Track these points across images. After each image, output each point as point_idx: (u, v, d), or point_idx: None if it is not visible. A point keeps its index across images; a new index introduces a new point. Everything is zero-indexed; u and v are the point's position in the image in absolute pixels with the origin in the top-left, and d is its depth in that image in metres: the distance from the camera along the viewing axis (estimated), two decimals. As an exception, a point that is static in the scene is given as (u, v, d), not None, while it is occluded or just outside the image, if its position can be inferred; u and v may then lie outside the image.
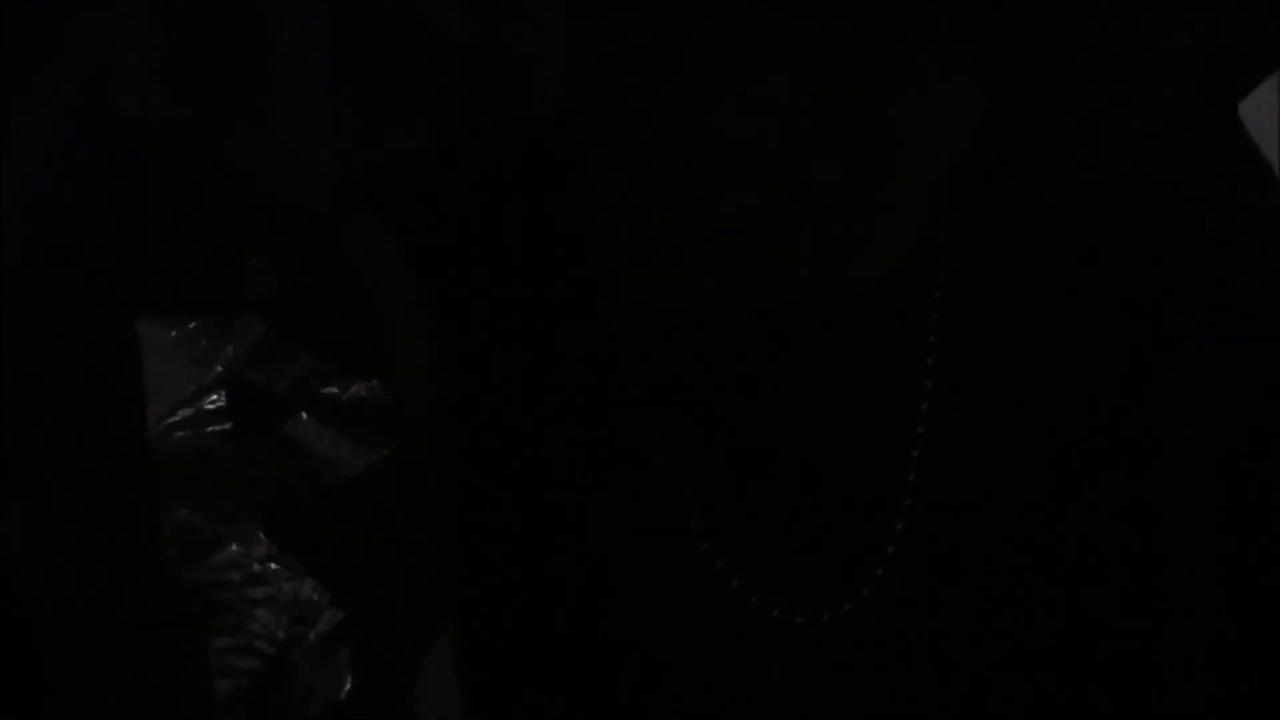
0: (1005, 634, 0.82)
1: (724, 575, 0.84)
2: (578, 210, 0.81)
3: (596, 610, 0.84)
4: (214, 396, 0.69)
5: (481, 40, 0.81)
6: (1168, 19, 0.87)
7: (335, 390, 0.71)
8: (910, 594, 0.83)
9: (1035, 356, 0.84)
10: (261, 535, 0.70)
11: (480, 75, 0.82)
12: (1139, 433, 0.82)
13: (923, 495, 0.83)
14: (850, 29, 0.73)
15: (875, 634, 0.83)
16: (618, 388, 0.84)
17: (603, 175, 0.77)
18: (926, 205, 0.81)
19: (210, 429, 0.69)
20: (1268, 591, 0.81)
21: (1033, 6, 0.79)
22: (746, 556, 0.84)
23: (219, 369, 0.70)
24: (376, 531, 0.72)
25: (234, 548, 0.70)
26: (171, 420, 0.69)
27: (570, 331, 0.84)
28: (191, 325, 0.70)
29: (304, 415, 0.70)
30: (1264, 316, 0.82)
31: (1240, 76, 0.87)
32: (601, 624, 0.84)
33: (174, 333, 0.70)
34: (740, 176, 0.74)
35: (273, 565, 0.70)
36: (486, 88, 0.83)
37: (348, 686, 0.71)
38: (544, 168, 0.84)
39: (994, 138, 0.82)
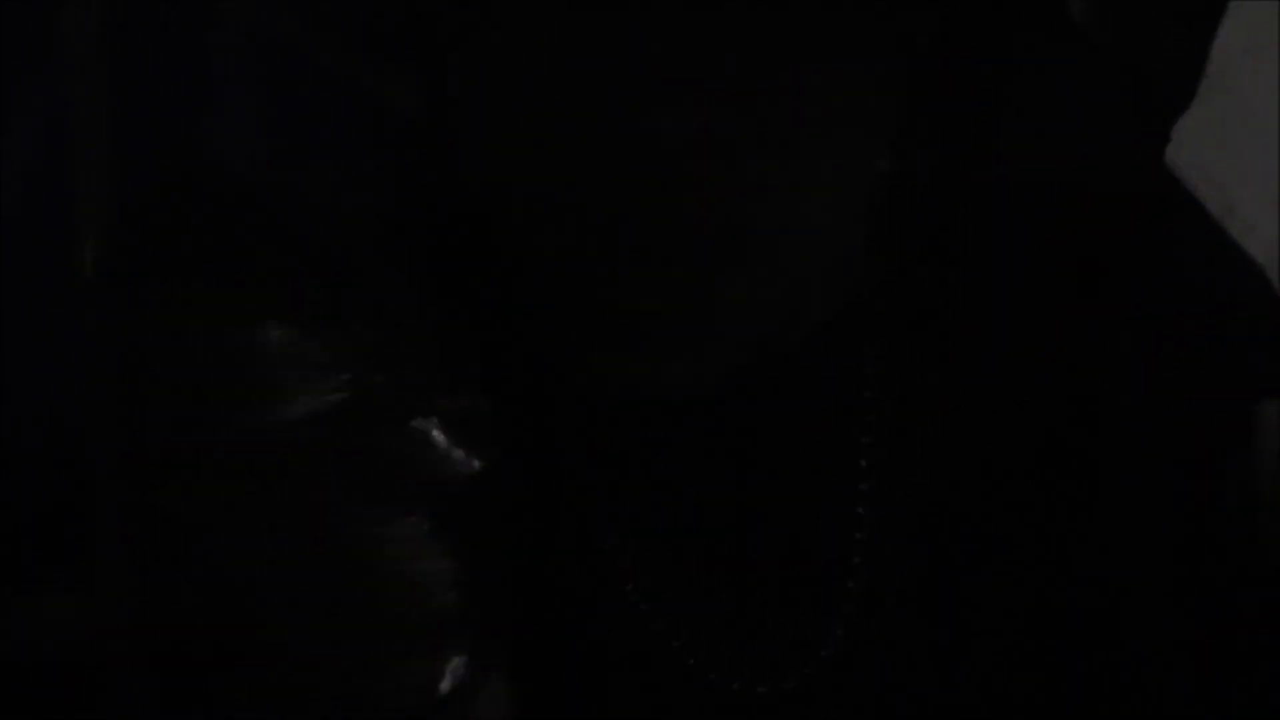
0: (965, 685, 0.81)
1: (680, 652, 0.81)
2: (519, 284, 0.78)
3: (550, 698, 0.81)
4: (339, 394, 0.73)
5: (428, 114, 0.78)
6: (1084, 45, 0.87)
7: (448, 400, 0.74)
8: (870, 650, 0.81)
9: (973, 398, 0.82)
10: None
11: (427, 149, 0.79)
12: (1082, 470, 0.82)
13: (873, 550, 0.81)
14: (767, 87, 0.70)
15: (839, 695, 0.81)
16: (566, 467, 0.82)
17: (544, 251, 0.73)
18: (852, 256, 0.79)
19: (336, 425, 0.73)
20: (1226, 626, 0.81)
21: (951, 40, 0.77)
22: (700, 631, 0.81)
23: (345, 373, 0.73)
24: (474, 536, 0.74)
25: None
26: (297, 415, 0.73)
27: (516, 402, 0.81)
28: (318, 329, 0.73)
29: (422, 419, 0.73)
30: (1198, 343, 0.83)
31: (1164, 106, 0.87)
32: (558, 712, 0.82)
33: (299, 335, 0.73)
34: (671, 248, 0.71)
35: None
36: (431, 161, 0.79)
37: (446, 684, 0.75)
38: (486, 240, 0.79)
39: (914, 173, 0.80)
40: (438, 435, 0.75)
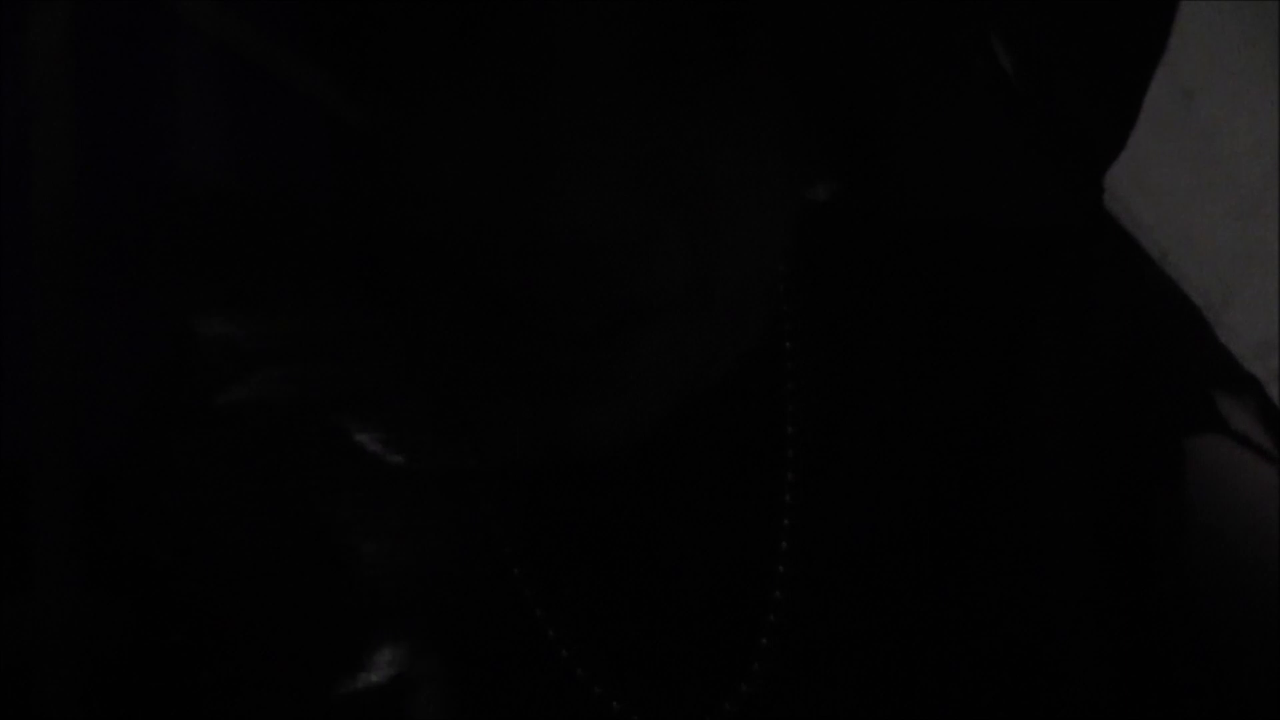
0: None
1: (594, 693, 0.80)
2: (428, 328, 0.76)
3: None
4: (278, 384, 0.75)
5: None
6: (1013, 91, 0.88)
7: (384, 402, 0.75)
8: (787, 688, 0.80)
9: (894, 433, 0.82)
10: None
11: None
12: (1007, 508, 0.82)
13: (793, 589, 0.81)
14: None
15: None
16: (474, 505, 0.80)
17: (452, 301, 0.72)
18: (766, 298, 0.78)
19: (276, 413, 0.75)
20: (1150, 663, 0.82)
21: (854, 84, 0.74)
22: (614, 671, 0.80)
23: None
24: None
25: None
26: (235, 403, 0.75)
27: (427, 446, 0.79)
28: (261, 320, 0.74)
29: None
30: (1128, 379, 0.84)
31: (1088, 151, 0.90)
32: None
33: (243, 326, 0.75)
34: (582, 303, 0.69)
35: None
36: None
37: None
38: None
39: (820, 216, 0.79)
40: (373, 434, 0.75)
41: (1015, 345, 0.84)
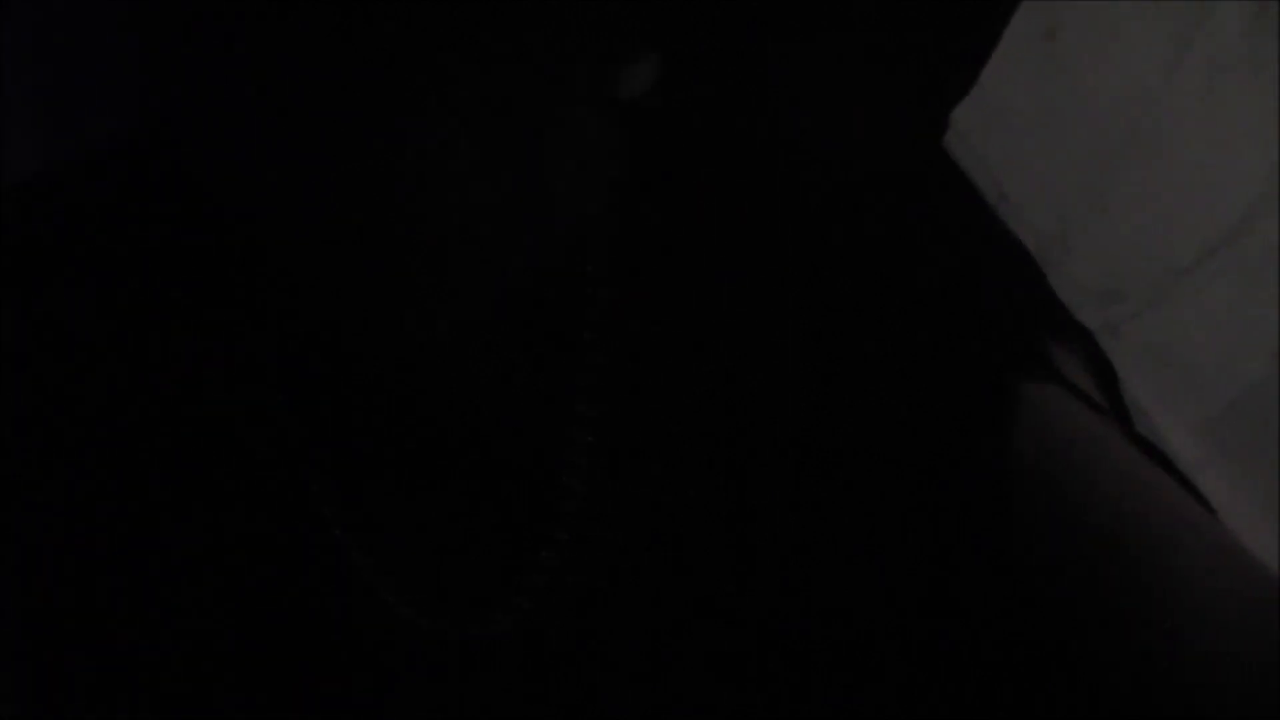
0: (667, 651, 0.81)
1: (378, 591, 0.81)
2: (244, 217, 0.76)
3: (236, 623, 0.81)
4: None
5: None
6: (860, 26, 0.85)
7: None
8: (572, 608, 0.81)
9: (697, 356, 0.82)
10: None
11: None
12: (807, 433, 0.82)
13: (586, 505, 0.81)
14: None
15: (534, 649, 0.81)
16: (266, 391, 0.82)
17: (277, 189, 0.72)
18: (581, 204, 0.77)
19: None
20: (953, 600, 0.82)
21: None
22: (401, 571, 0.81)
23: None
24: None
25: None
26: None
27: (225, 323, 0.82)
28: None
29: None
30: (960, 322, 0.83)
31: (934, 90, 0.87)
32: (242, 635, 0.81)
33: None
34: (401, 221, 0.70)
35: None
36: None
37: None
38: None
39: (655, 119, 0.78)
40: None
41: (834, 271, 0.83)
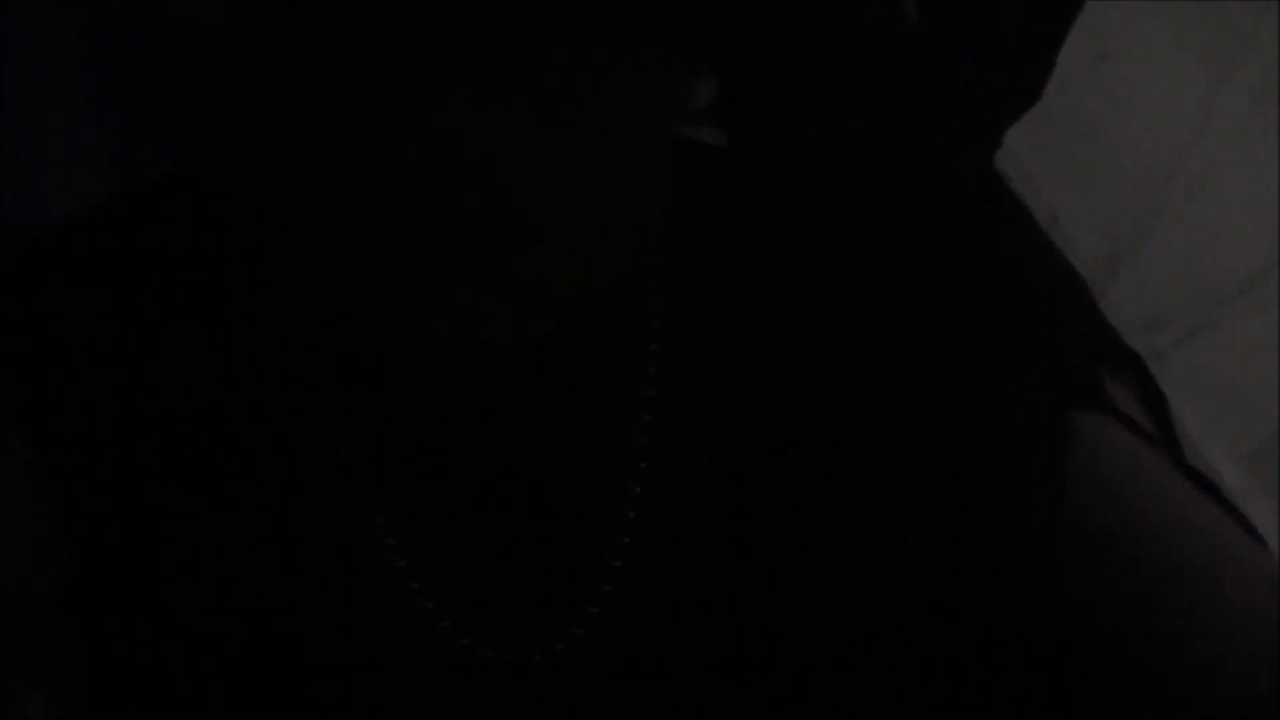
0: (721, 675, 0.81)
1: (432, 614, 0.81)
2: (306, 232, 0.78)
3: (293, 645, 0.81)
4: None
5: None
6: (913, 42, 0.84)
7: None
8: (626, 634, 0.80)
9: (751, 383, 0.82)
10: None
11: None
12: (858, 454, 0.82)
13: (641, 533, 0.81)
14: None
15: (587, 674, 0.80)
16: (325, 425, 0.82)
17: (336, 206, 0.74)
18: (635, 221, 0.78)
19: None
20: (981, 612, 0.82)
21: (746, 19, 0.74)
22: (455, 595, 0.81)
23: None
24: None
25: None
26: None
27: (264, 361, 0.82)
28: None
29: None
30: (1011, 347, 0.83)
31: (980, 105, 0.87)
32: (299, 658, 0.81)
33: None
34: (472, 217, 0.71)
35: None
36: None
37: None
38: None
39: (706, 143, 0.80)
40: None
41: (888, 293, 0.83)
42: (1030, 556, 0.82)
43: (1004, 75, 0.86)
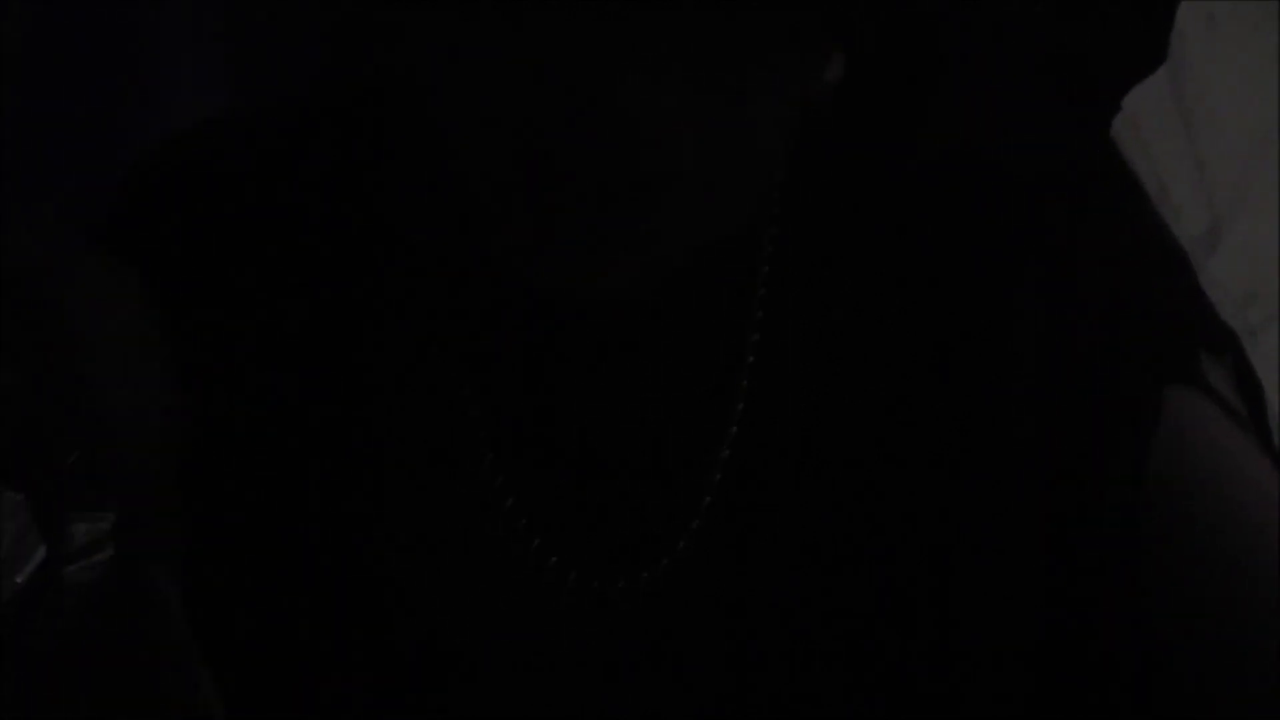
0: (801, 616, 0.82)
1: (525, 535, 0.83)
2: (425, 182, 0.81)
3: (402, 572, 0.83)
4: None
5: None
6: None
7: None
8: (711, 569, 0.82)
9: (857, 344, 0.83)
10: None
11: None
12: (970, 418, 0.83)
13: (733, 472, 0.82)
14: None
15: (672, 605, 0.82)
16: (432, 351, 0.83)
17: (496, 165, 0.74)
18: (758, 187, 0.79)
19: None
20: (1075, 591, 0.82)
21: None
22: (557, 526, 0.83)
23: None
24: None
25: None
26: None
27: (387, 294, 0.84)
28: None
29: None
30: (1109, 321, 0.83)
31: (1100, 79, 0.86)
32: (407, 585, 0.83)
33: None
34: (611, 170, 0.73)
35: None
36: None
37: None
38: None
39: (829, 121, 0.81)
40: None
41: (997, 272, 0.84)
42: (1114, 535, 0.82)
43: (1129, 34, 0.85)
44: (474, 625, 0.83)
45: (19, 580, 0.69)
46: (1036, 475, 0.82)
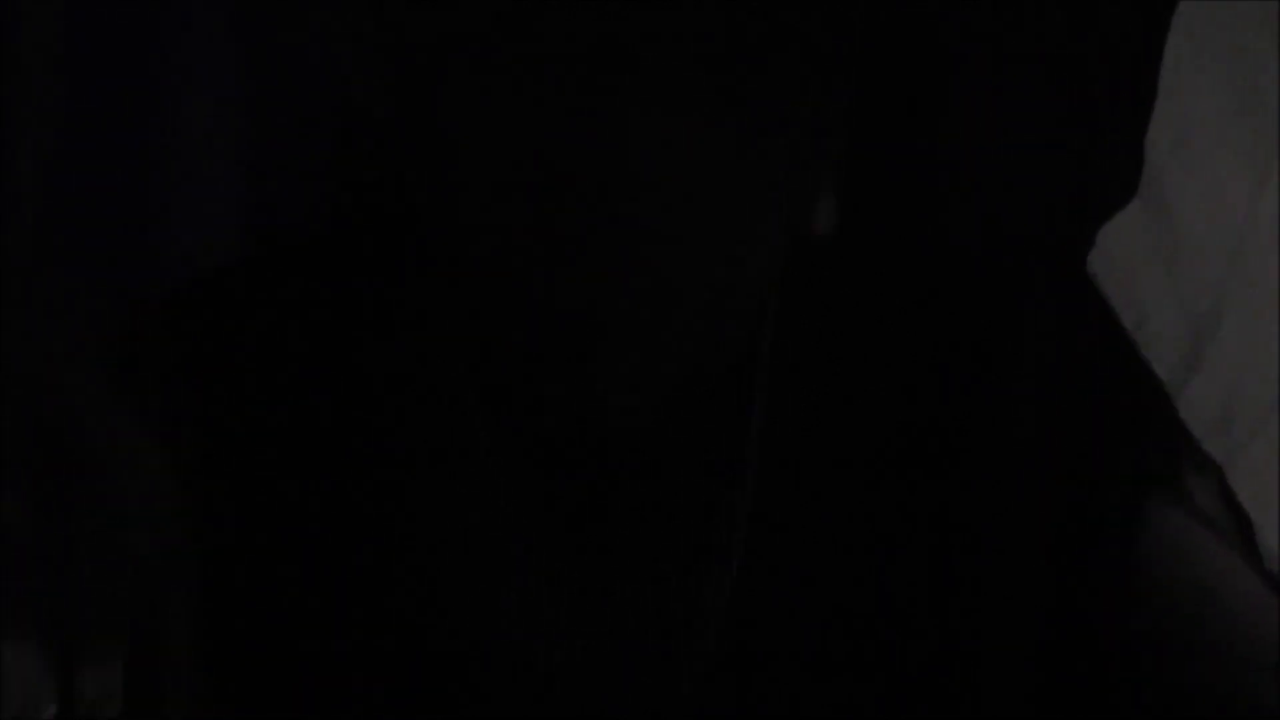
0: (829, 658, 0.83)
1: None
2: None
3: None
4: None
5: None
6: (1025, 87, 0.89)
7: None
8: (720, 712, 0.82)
9: (851, 475, 0.84)
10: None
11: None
12: (948, 527, 0.84)
13: (731, 621, 0.82)
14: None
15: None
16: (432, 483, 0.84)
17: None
18: (756, 291, 0.81)
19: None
20: (1086, 600, 0.84)
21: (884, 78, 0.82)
22: (548, 639, 0.82)
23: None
24: None
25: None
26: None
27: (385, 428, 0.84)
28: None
29: None
30: (1089, 428, 0.85)
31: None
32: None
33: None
34: (623, 292, 0.75)
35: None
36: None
37: None
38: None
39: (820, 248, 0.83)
40: None
41: (989, 377, 0.85)
42: (1107, 642, 0.84)
43: (1100, 168, 0.87)
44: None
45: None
46: (1021, 588, 0.84)
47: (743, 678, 0.83)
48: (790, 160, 0.76)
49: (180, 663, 0.77)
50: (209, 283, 0.88)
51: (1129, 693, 0.83)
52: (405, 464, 0.83)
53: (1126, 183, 0.90)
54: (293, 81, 0.97)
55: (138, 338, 0.85)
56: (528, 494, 0.83)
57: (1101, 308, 0.88)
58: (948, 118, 0.90)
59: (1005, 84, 0.91)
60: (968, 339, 0.86)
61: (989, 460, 0.84)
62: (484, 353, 0.80)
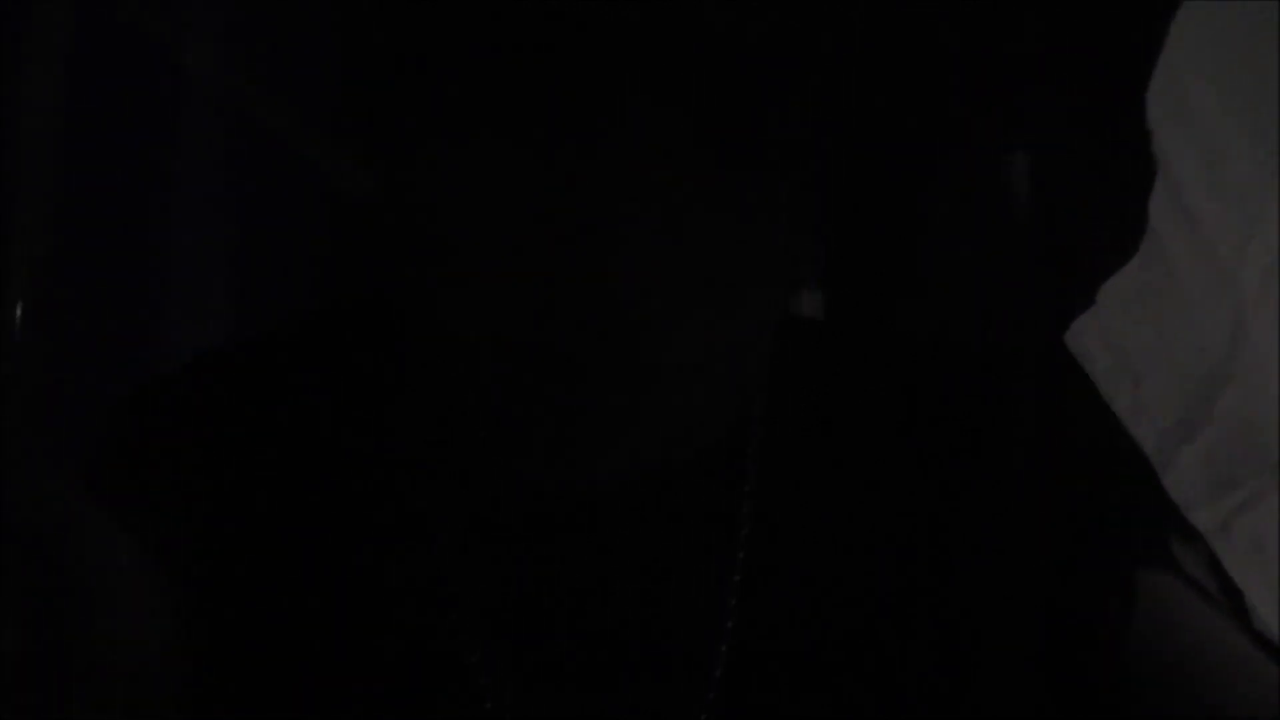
0: None
1: None
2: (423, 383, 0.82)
3: None
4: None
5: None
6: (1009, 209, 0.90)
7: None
8: None
9: (843, 548, 0.85)
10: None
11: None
12: (944, 613, 0.85)
13: (735, 668, 0.83)
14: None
15: None
16: (422, 548, 0.84)
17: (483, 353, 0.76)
18: (746, 380, 0.81)
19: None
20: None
21: (866, 173, 0.82)
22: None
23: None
24: None
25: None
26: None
27: (379, 494, 0.84)
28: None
29: None
30: (1077, 512, 0.86)
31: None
32: None
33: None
34: (602, 366, 0.75)
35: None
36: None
37: None
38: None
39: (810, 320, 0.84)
40: None
41: (976, 455, 0.87)
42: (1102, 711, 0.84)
43: (1103, 229, 0.88)
44: None
45: None
46: (1016, 661, 0.84)
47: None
48: (778, 244, 0.77)
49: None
50: (196, 370, 0.89)
51: None
52: (396, 546, 0.83)
53: (1120, 250, 0.90)
54: (283, 170, 0.98)
55: (122, 433, 0.87)
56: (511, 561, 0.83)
57: (1088, 383, 0.89)
58: (936, 199, 0.91)
59: (994, 167, 0.92)
60: (956, 418, 0.87)
61: (977, 541, 0.85)
62: (471, 434, 0.80)
